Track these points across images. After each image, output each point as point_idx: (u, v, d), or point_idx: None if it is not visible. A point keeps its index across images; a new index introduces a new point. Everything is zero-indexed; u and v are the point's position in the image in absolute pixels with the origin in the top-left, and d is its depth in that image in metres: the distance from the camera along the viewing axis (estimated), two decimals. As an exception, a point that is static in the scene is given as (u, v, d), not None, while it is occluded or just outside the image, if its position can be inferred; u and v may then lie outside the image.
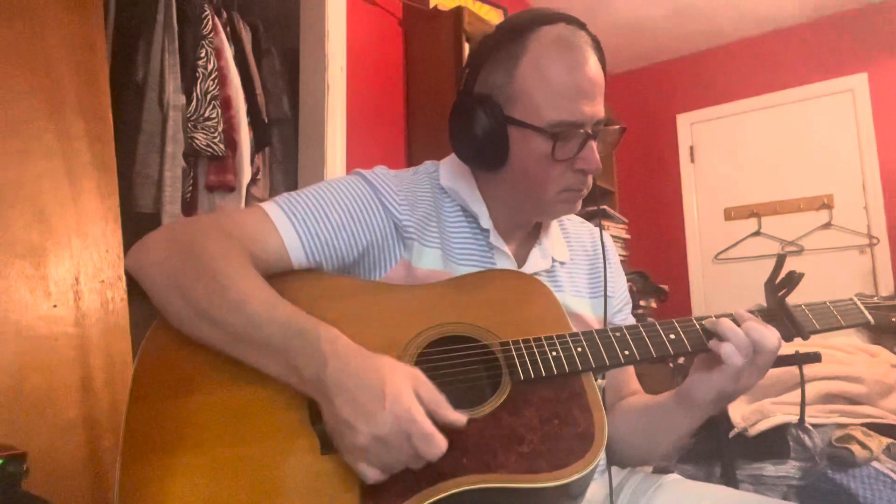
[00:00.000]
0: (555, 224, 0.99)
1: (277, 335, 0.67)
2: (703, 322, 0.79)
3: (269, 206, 0.81)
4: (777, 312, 0.82)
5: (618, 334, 0.78)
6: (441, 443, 0.62)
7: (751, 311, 0.81)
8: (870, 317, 0.84)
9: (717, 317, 0.79)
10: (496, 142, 0.83)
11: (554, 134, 0.80)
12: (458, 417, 0.65)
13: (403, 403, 0.62)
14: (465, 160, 0.90)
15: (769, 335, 0.74)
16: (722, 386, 0.77)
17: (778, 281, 0.82)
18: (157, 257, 0.74)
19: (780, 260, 0.83)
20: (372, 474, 0.63)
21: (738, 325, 0.76)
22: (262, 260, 0.77)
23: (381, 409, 0.61)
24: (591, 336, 0.77)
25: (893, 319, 0.84)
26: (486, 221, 0.89)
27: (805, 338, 0.80)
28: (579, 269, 0.98)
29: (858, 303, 0.85)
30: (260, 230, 0.78)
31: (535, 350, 0.75)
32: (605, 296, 0.94)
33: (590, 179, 0.86)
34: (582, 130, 0.81)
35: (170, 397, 0.70)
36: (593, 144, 0.82)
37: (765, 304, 0.84)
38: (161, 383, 0.71)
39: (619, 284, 1.04)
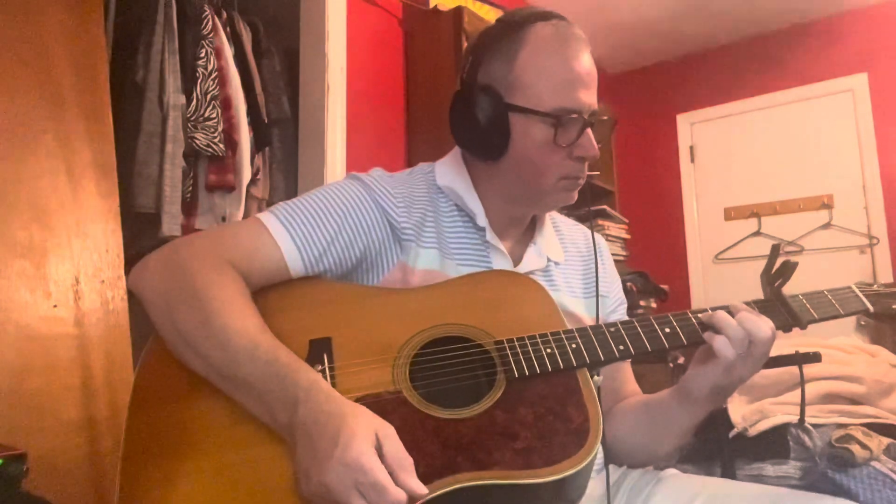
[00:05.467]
0: (549, 225, 0.99)
1: (256, 376, 0.67)
2: (699, 315, 0.79)
3: (267, 218, 0.82)
4: (774, 303, 0.81)
5: (612, 329, 0.78)
6: (396, 495, 0.57)
7: (747, 303, 0.80)
8: (869, 304, 0.83)
9: (713, 309, 0.79)
10: (498, 129, 0.85)
11: (556, 118, 0.82)
12: (419, 487, 0.59)
13: (353, 451, 0.58)
14: (467, 149, 0.91)
15: (762, 325, 0.74)
16: (715, 379, 0.77)
17: (773, 271, 0.82)
18: (152, 281, 0.75)
19: (774, 251, 0.83)
20: None
21: (733, 317, 0.76)
22: (262, 273, 0.78)
23: (331, 456, 0.59)
24: (586, 332, 0.77)
25: (894, 307, 0.83)
26: (482, 220, 0.90)
27: (803, 327, 0.80)
28: (573, 269, 0.99)
29: (857, 290, 0.84)
30: (258, 244, 0.79)
31: (530, 347, 0.75)
32: (598, 294, 0.94)
33: (586, 168, 0.88)
34: (579, 117, 0.83)
35: (170, 403, 0.71)
36: (590, 132, 0.85)
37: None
38: (161, 389, 0.72)
39: (614, 285, 1.04)
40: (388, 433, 0.62)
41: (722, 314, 0.76)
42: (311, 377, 0.66)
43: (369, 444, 0.60)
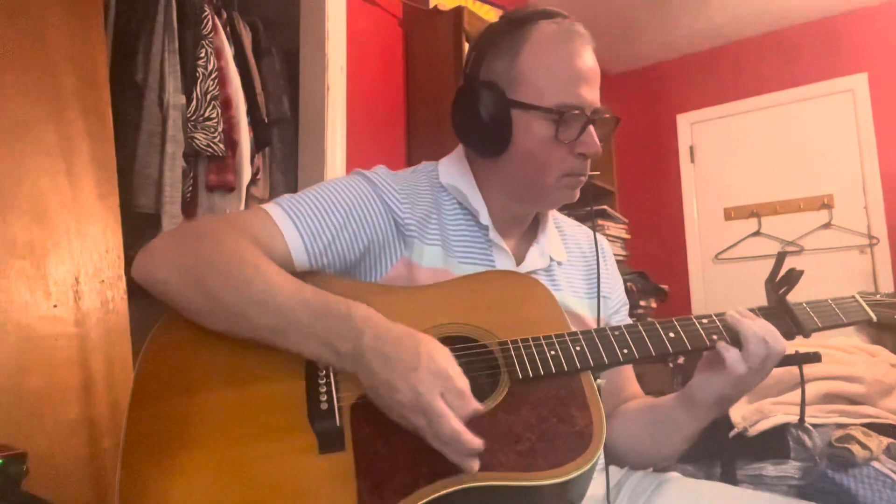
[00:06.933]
0: (552, 225, 0.99)
1: (308, 318, 0.69)
2: (725, 318, 0.79)
3: (272, 208, 0.81)
4: (778, 310, 0.81)
5: (616, 333, 0.78)
6: (472, 401, 0.65)
7: (751, 310, 0.80)
8: (872, 314, 0.84)
9: (716, 315, 0.79)
10: (500, 125, 0.85)
11: (558, 114, 0.82)
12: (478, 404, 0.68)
13: (438, 362, 0.65)
14: (469, 145, 0.91)
15: (782, 342, 0.75)
16: (723, 390, 0.78)
17: (778, 279, 0.82)
18: (169, 259, 0.74)
19: (780, 258, 0.83)
20: (420, 422, 0.65)
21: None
22: None
23: (417, 367, 0.65)
24: (590, 335, 0.77)
25: (896, 317, 0.84)
26: (485, 218, 0.90)
27: (807, 336, 0.80)
28: (576, 270, 0.99)
29: (861, 300, 0.85)
30: (263, 232, 0.78)
31: (534, 349, 0.75)
32: (599, 295, 0.94)
33: (589, 165, 0.88)
34: (581, 113, 0.83)
35: (171, 398, 0.70)
36: (593, 129, 0.84)
37: (765, 304, 0.84)
38: (163, 384, 0.71)
39: (616, 286, 1.04)
40: (450, 355, 0.69)
41: (748, 325, 0.76)
42: (364, 309, 0.70)
43: (447, 356, 0.68)
